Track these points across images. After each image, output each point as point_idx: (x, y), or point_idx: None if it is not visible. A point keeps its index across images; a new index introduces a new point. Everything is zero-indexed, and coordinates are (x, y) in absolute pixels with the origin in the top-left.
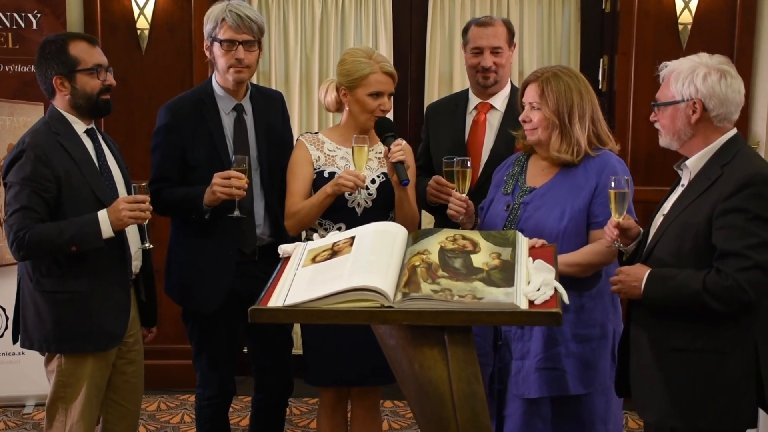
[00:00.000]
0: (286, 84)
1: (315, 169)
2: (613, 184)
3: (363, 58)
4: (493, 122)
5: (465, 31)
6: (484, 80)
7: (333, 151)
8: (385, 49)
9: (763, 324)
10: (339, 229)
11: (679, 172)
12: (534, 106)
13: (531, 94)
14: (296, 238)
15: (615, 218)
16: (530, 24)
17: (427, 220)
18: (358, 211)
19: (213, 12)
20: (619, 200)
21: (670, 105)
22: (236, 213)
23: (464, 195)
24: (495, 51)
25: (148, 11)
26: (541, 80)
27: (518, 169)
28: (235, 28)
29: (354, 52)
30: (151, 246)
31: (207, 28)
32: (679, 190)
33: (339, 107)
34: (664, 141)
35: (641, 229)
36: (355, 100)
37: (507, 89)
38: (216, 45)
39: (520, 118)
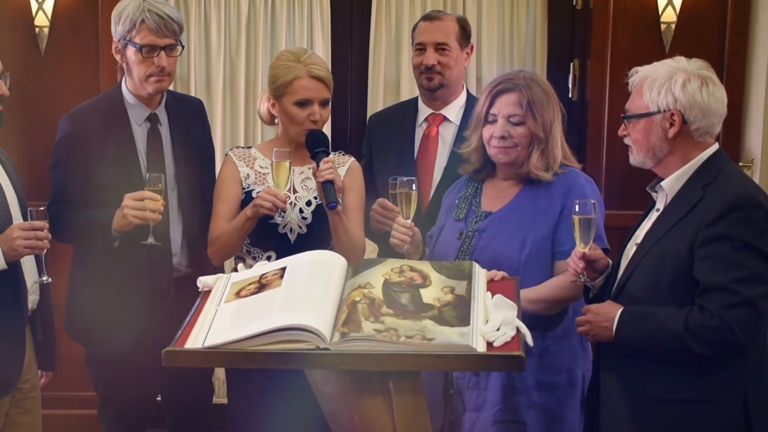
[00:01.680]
0: (207, 90)
1: (243, 189)
2: (577, 209)
3: (290, 61)
4: (446, 136)
5: (414, 29)
6: (427, 82)
7: (265, 168)
8: (323, 51)
9: (753, 368)
10: (269, 258)
11: (654, 194)
12: (514, 120)
13: (511, 107)
14: (219, 270)
15: (580, 248)
16: (489, 23)
17: (371, 248)
18: (291, 237)
19: (126, 10)
20: (584, 227)
21: (643, 117)
22: (150, 240)
23: (409, 221)
24: (440, 48)
25: (48, 6)
26: (522, 88)
27: (472, 191)
28: (156, 31)
29: (283, 54)
30: (50, 279)
31: (119, 28)
32: (654, 216)
33: (273, 119)
34: (635, 159)
35: (610, 261)
36: (282, 110)
37: (462, 98)
38: (131, 49)
39: (498, 134)
